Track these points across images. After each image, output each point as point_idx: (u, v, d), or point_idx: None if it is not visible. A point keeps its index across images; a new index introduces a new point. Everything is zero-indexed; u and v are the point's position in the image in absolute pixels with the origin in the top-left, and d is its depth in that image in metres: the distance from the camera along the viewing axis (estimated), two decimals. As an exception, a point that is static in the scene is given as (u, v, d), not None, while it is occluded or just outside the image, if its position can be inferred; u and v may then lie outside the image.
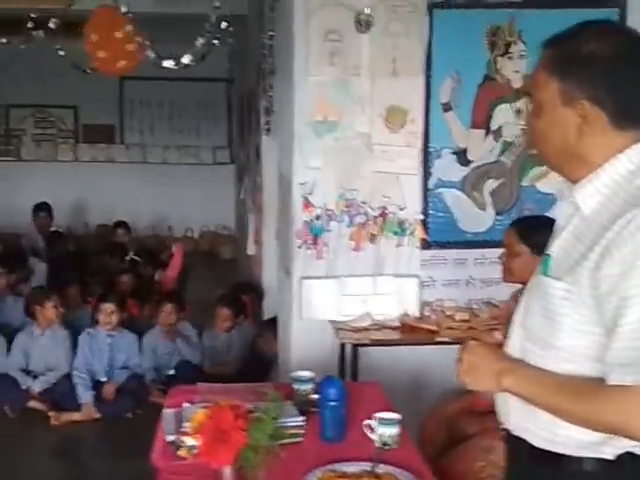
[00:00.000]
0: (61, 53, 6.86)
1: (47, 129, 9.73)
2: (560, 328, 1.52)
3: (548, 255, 1.60)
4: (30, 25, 6.01)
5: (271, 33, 4.60)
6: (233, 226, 9.25)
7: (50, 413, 4.54)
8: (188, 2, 6.28)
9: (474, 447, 2.85)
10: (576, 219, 1.57)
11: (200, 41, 3.81)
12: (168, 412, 2.50)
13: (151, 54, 4.01)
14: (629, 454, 1.50)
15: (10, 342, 4.88)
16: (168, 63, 3.87)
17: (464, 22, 3.81)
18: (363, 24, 3.74)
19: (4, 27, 6.48)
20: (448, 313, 3.68)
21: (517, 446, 1.66)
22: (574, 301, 1.49)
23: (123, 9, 3.98)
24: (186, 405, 2.49)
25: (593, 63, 1.51)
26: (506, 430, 1.69)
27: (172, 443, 2.26)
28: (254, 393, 2.55)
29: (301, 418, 2.38)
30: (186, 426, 2.17)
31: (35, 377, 4.72)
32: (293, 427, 2.34)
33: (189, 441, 2.06)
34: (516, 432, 1.65)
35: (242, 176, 7.42)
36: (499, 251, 3.72)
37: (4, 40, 5.78)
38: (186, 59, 3.79)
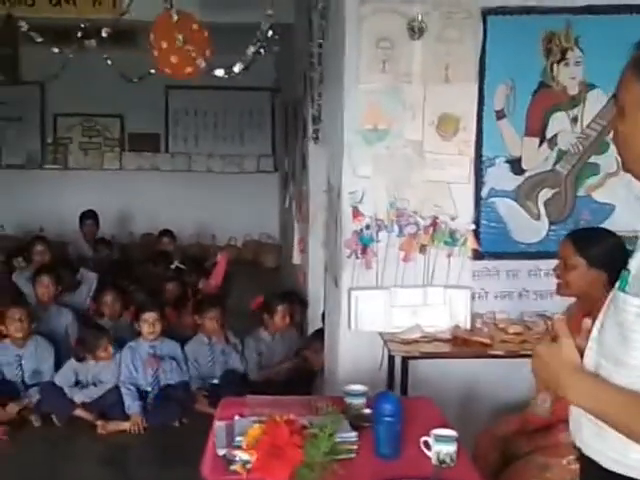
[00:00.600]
0: (109, 62, 6.93)
1: (93, 137, 9.83)
2: (634, 346, 1.46)
3: (628, 270, 1.54)
4: (80, 34, 6.07)
5: (320, 41, 4.56)
6: (277, 235, 9.24)
7: (97, 422, 4.53)
8: (239, 11, 6.28)
9: (530, 465, 2.76)
10: None
11: (251, 49, 3.77)
12: (219, 425, 2.45)
13: (201, 63, 3.99)
14: None
15: (55, 351, 4.89)
16: (219, 72, 3.84)
17: (519, 28, 3.73)
18: (416, 31, 3.68)
19: (55, 36, 6.57)
20: (501, 326, 3.58)
21: (588, 466, 1.59)
22: None
23: (175, 17, 3.96)
24: (237, 418, 2.44)
25: None
26: (578, 449, 1.63)
27: (223, 457, 2.21)
28: (306, 407, 2.51)
29: (354, 434, 2.32)
30: (239, 440, 2.12)
31: (82, 387, 4.72)
32: (346, 442, 2.28)
33: (243, 456, 2.02)
34: (587, 452, 1.59)
35: (287, 184, 7.40)
36: (553, 262, 3.62)
37: (56, 49, 5.83)
38: (237, 68, 3.75)
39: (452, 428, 2.37)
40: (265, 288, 7.06)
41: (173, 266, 6.73)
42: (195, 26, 4.25)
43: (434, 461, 2.22)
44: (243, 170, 9.70)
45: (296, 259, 5.76)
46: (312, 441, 1.89)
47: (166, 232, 7.81)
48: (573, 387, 1.51)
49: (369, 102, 3.68)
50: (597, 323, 1.61)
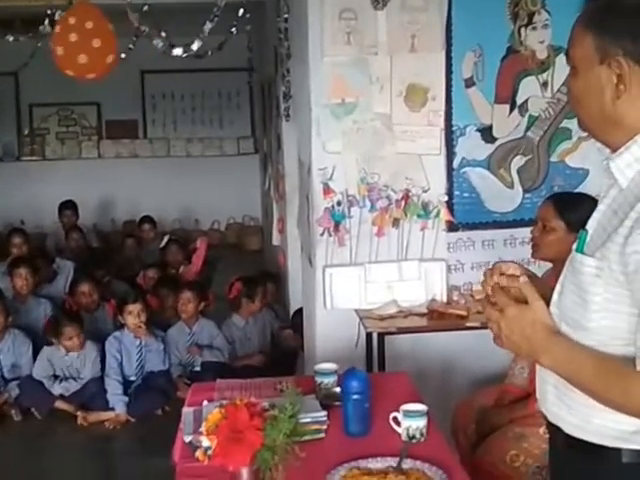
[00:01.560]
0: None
1: (70, 127, 9.71)
2: (591, 308, 1.42)
3: (585, 230, 1.49)
4: (46, 22, 5.95)
5: (286, 16, 4.48)
6: (260, 217, 9.16)
7: (78, 413, 4.48)
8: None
9: (506, 436, 2.73)
10: (613, 191, 1.46)
11: (208, 26, 3.69)
12: (187, 411, 2.41)
13: (159, 43, 3.90)
14: None
15: (33, 344, 4.82)
16: (177, 51, 3.76)
17: (484, -7, 3.66)
18: (379, 0, 3.60)
19: (21, 25, 6.45)
20: (478, 297, 3.53)
21: (554, 433, 1.57)
22: (605, 279, 1.39)
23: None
24: (205, 404, 2.39)
25: (631, 14, 1.40)
26: (544, 416, 1.60)
27: (190, 444, 2.17)
28: (274, 389, 2.46)
29: (323, 413, 2.28)
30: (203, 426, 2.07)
31: (61, 381, 4.66)
32: (315, 423, 2.24)
33: (205, 442, 1.96)
34: (551, 419, 1.57)
35: (266, 165, 7.33)
36: (528, 231, 3.58)
37: (13, 38, 5.70)
38: (195, 45, 3.67)
39: (426, 402, 2.33)
40: (249, 271, 7.02)
41: (163, 244, 6.69)
42: (108, 25, 3.99)
43: (404, 437, 2.18)
44: (223, 153, 9.60)
45: (275, 240, 5.71)
46: (272, 423, 1.84)
47: (146, 218, 7.73)
48: (548, 351, 1.45)
49: (335, 75, 3.61)
50: (557, 287, 1.56)
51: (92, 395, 4.53)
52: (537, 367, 1.59)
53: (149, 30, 3.99)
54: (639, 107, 1.43)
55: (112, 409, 4.49)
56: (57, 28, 3.95)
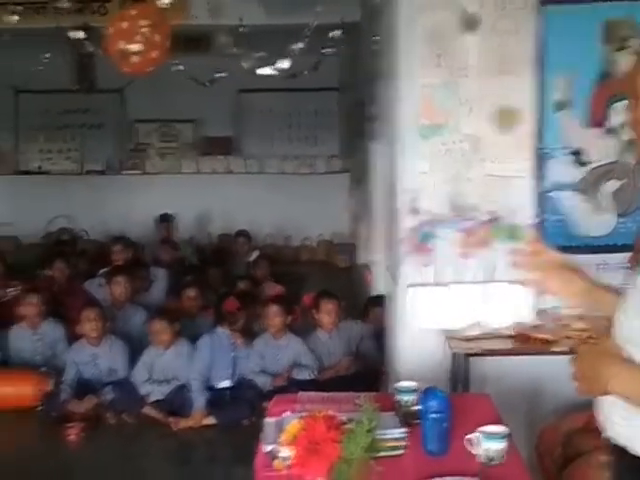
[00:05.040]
0: (180, 67, 7.09)
1: (170, 142, 10.07)
2: None
3: None
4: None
5: (376, 38, 4.55)
6: (349, 234, 9.25)
7: (170, 419, 4.65)
8: (299, 13, 6.33)
9: (591, 463, 2.69)
10: None
11: (299, 46, 3.80)
12: (268, 422, 2.48)
13: (245, 63, 4.03)
14: None
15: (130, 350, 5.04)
16: (264, 70, 3.87)
17: (577, 17, 3.63)
18: (470, 23, 3.63)
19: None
20: (565, 322, 3.49)
21: (619, 455, 1.59)
22: None
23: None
24: (286, 414, 2.47)
25: None
26: (609, 439, 1.61)
27: (270, 453, 2.24)
28: (354, 403, 2.51)
29: (403, 430, 2.32)
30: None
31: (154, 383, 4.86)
32: (394, 439, 2.28)
33: (284, 452, 2.04)
34: (618, 440, 1.58)
35: (358, 184, 7.42)
36: (622, 256, 3.52)
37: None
38: (283, 64, 3.78)
39: (509, 425, 2.34)
40: (337, 288, 7.10)
41: (252, 258, 6.86)
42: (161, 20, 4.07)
43: (482, 458, 2.19)
44: (315, 171, 9.75)
45: (362, 258, 5.76)
46: (350, 437, 1.90)
47: (241, 232, 7.94)
48: (616, 376, 1.48)
49: (424, 97, 3.65)
50: (620, 309, 1.61)
51: (182, 401, 4.69)
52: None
53: (240, 51, 4.12)
54: None
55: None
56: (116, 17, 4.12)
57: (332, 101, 9.49)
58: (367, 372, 4.78)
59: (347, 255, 8.89)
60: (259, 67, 4.04)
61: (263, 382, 4.84)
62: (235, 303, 5.24)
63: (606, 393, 1.51)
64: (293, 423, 1.98)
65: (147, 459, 4.40)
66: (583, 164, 3.68)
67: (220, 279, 6.44)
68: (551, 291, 1.86)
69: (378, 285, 5.34)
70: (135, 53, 4.12)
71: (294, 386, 4.58)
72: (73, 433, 4.47)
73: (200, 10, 6.70)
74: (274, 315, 4.99)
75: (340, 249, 9.24)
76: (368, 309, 5.34)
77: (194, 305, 5.46)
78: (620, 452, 1.57)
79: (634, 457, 1.52)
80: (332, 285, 7.14)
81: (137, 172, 9.96)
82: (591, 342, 1.61)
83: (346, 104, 8.73)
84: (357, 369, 4.93)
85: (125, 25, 4.08)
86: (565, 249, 3.65)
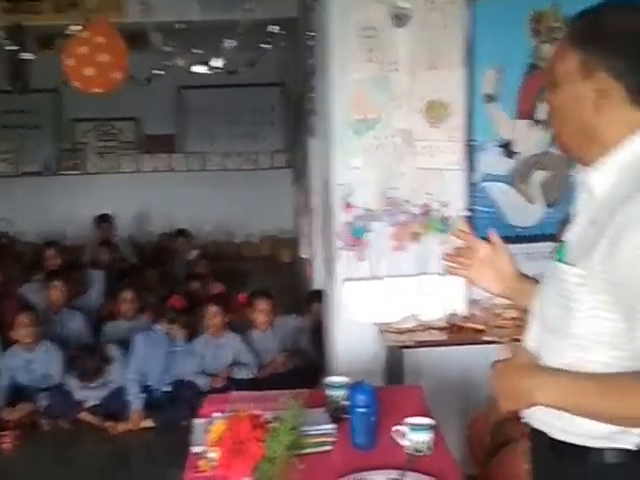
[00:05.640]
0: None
1: (109, 141, 9.92)
2: (576, 315, 1.47)
3: (563, 242, 1.55)
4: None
5: (310, 33, 4.55)
6: (292, 230, 9.25)
7: (107, 423, 4.58)
8: (235, 9, 6.29)
9: (517, 451, 2.72)
10: (591, 203, 1.52)
11: (229, 43, 3.77)
12: (198, 422, 2.46)
13: (180, 61, 3.99)
14: None
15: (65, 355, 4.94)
16: (198, 68, 3.84)
17: (506, 10, 3.67)
18: (400, 18, 3.64)
19: (61, 43, 6.62)
20: (497, 311, 3.54)
21: (538, 439, 1.61)
22: (589, 287, 1.44)
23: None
24: (215, 415, 2.44)
25: (615, 36, 1.47)
26: (527, 424, 1.64)
27: (198, 454, 2.22)
28: (285, 401, 2.50)
29: (332, 426, 2.31)
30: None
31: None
32: (322, 435, 2.27)
33: (210, 453, 2.02)
34: (537, 425, 1.60)
35: (298, 179, 7.41)
36: (550, 245, 3.56)
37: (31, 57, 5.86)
38: (216, 63, 3.75)
39: (435, 416, 2.35)
40: (281, 282, 7.10)
41: (192, 257, 6.79)
42: (115, 39, 4.06)
43: (408, 450, 2.20)
44: (257, 167, 9.71)
45: (304, 252, 5.76)
46: (273, 435, 1.89)
47: (181, 231, 7.86)
48: (541, 387, 1.47)
49: (357, 92, 3.65)
50: (537, 298, 1.62)
51: (119, 404, 4.63)
52: None
53: (174, 49, 4.08)
54: (616, 122, 1.48)
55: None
56: (70, 41, 4.08)
57: (274, 96, 9.45)
58: (306, 368, 4.78)
59: (290, 250, 8.90)
60: (195, 65, 3.98)
61: (203, 383, 4.80)
62: (181, 301, 5.20)
63: (533, 405, 1.50)
64: (218, 424, 1.96)
65: (84, 464, 4.32)
66: (513, 155, 3.73)
67: (158, 280, 6.35)
68: (479, 284, 1.87)
69: (318, 279, 5.34)
70: (97, 76, 4.06)
71: (234, 385, 4.56)
72: (7, 441, 4.38)
73: (134, 8, 6.62)
74: (213, 315, 4.96)
75: (284, 244, 9.24)
76: (309, 304, 5.34)
77: (131, 308, 5.37)
78: (539, 436, 1.59)
79: (552, 440, 1.54)
80: (275, 280, 7.16)
81: (76, 172, 9.78)
82: (506, 359, 1.59)
83: (289, 99, 8.72)
84: (295, 365, 4.92)
85: (83, 50, 4.01)
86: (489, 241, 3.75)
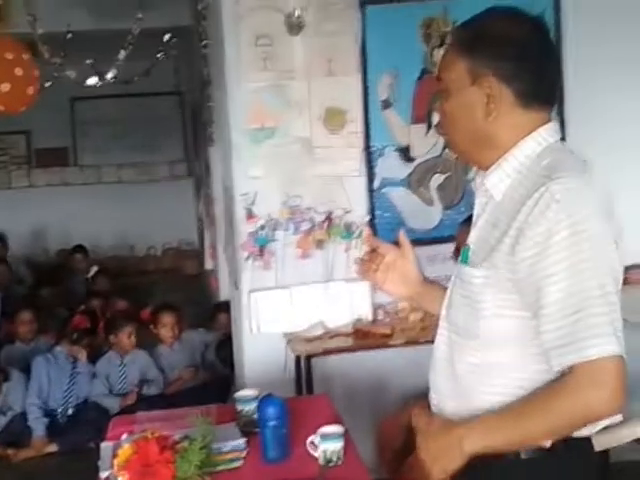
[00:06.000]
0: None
1: (-1, 156, 9.54)
2: (482, 315, 1.49)
3: (467, 246, 1.57)
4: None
5: (205, 42, 4.50)
6: (196, 241, 9.12)
7: (9, 451, 4.39)
8: (125, 18, 6.16)
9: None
10: (490, 206, 1.54)
11: (122, 54, 3.68)
12: (105, 446, 2.38)
13: (72, 74, 3.87)
14: (564, 441, 1.46)
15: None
16: (92, 81, 3.73)
17: (397, 16, 3.74)
18: (294, 26, 3.65)
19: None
20: (402, 315, 3.58)
21: None
22: (494, 287, 1.47)
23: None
24: (124, 437, 2.36)
25: (501, 40, 1.50)
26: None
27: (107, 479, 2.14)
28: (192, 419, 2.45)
29: (242, 440, 2.27)
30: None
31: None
32: (233, 451, 2.23)
33: (118, 477, 1.95)
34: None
35: (199, 190, 7.32)
36: (449, 247, 3.65)
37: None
38: (110, 74, 3.66)
39: (344, 424, 2.35)
40: (186, 295, 6.97)
41: (91, 274, 6.60)
42: (25, 55, 3.96)
43: (321, 461, 2.19)
44: (156, 178, 9.53)
45: (208, 264, 5.70)
46: (183, 455, 1.84)
47: (78, 247, 7.63)
48: (468, 435, 1.45)
49: (253, 101, 3.63)
50: (445, 302, 1.64)
51: (20, 430, 4.44)
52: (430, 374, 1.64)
53: (62, 60, 3.95)
54: (508, 125, 1.51)
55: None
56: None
57: (170, 106, 9.30)
58: (215, 382, 4.71)
59: (194, 262, 8.77)
60: (87, 77, 3.87)
61: (111, 404, 4.66)
62: (84, 320, 5.04)
63: (466, 456, 1.45)
64: (125, 447, 1.90)
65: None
66: (410, 160, 3.79)
67: (56, 299, 6.14)
68: (385, 288, 1.87)
69: (224, 291, 5.28)
70: (9, 93, 3.89)
71: (143, 403, 4.45)
72: None
73: (21, 19, 6.38)
74: (128, 335, 4.81)
75: (187, 256, 9.09)
76: (215, 316, 5.28)
77: (29, 329, 5.16)
78: None
79: None
80: (180, 293, 7.02)
81: (-36, 189, 9.36)
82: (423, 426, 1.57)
83: (187, 108, 8.61)
84: (204, 380, 4.85)
85: None
86: (397, 243, 3.80)
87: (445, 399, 1.60)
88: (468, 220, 3.00)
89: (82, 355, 4.77)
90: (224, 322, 5.12)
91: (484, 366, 1.51)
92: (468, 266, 1.53)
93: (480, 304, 1.49)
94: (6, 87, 3.92)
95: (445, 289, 1.69)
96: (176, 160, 9.58)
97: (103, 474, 2.21)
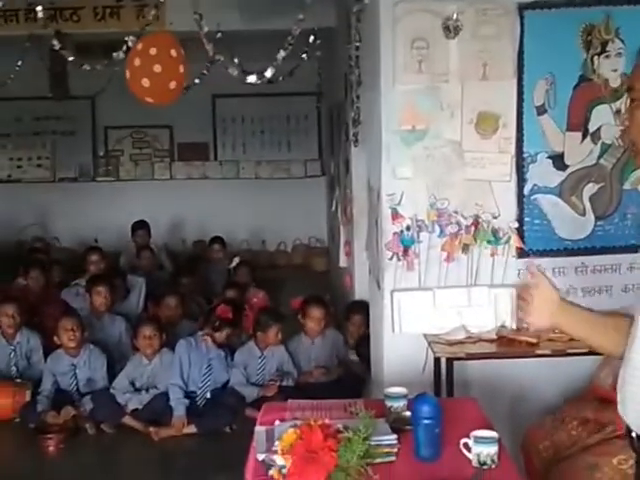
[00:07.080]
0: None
1: (144, 149, 10.00)
2: None
3: None
4: (124, 49, 6.17)
5: (357, 44, 4.56)
6: (325, 239, 9.25)
7: (150, 429, 4.60)
8: (275, 18, 6.32)
9: (579, 465, 2.71)
10: None
11: (282, 54, 3.79)
12: (260, 430, 2.46)
13: (234, 71, 4.01)
14: None
15: (107, 360, 4.99)
16: (252, 78, 3.85)
17: (557, 22, 3.67)
18: (451, 29, 3.65)
19: (98, 52, 6.70)
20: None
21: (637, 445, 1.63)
22: None
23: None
24: (277, 423, 2.45)
25: None
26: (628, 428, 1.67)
27: (263, 462, 2.22)
28: (345, 410, 2.51)
29: (394, 436, 2.31)
30: (277, 445, 2.13)
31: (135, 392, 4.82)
32: (386, 446, 2.27)
33: (279, 461, 2.02)
34: (635, 430, 1.63)
35: (333, 188, 7.41)
36: (600, 258, 3.56)
37: (90, 66, 5.92)
38: (269, 73, 3.76)
39: (493, 429, 2.34)
40: (314, 292, 7.08)
41: (233, 265, 6.80)
42: (173, 52, 4.11)
43: (474, 463, 2.20)
44: (291, 175, 9.75)
45: (342, 262, 5.76)
46: (346, 445, 1.89)
47: (216, 239, 7.89)
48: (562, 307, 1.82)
49: (406, 103, 3.66)
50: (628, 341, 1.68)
51: (162, 410, 4.64)
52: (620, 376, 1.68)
53: (224, 58, 4.10)
54: None
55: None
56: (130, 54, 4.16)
57: (310, 106, 9.49)
58: (349, 377, 4.78)
59: (323, 259, 8.89)
60: (247, 75, 3.99)
61: (250, 393, 4.80)
62: (228, 310, 5.21)
63: (554, 320, 1.90)
64: (289, 432, 1.97)
65: (127, 469, 4.35)
66: (563, 168, 3.72)
67: (194, 287, 6.37)
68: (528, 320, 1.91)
69: (359, 289, 5.33)
70: (153, 87, 4.12)
71: (279, 394, 4.57)
72: (51, 444, 4.41)
73: (174, 17, 6.67)
74: (275, 334, 4.94)
75: (316, 253, 9.23)
76: (349, 314, 5.34)
77: (174, 314, 5.40)
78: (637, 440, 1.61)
79: None
80: (310, 290, 7.12)
81: (110, 179, 9.87)
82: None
83: (325, 108, 8.74)
84: (339, 375, 4.92)
85: (138, 63, 4.07)
86: (545, 252, 3.75)
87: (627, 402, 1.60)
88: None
89: (221, 343, 4.90)
90: (358, 321, 5.18)
91: None
92: None
93: None
94: (146, 83, 4.07)
95: (588, 311, 1.81)
96: (310, 159, 9.76)
97: (259, 456, 2.29)
